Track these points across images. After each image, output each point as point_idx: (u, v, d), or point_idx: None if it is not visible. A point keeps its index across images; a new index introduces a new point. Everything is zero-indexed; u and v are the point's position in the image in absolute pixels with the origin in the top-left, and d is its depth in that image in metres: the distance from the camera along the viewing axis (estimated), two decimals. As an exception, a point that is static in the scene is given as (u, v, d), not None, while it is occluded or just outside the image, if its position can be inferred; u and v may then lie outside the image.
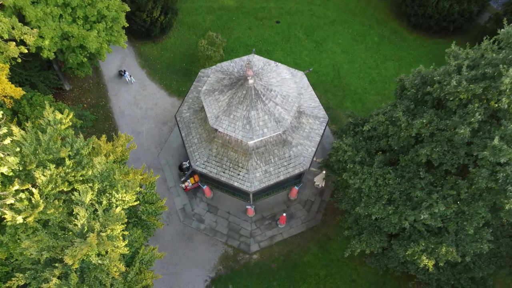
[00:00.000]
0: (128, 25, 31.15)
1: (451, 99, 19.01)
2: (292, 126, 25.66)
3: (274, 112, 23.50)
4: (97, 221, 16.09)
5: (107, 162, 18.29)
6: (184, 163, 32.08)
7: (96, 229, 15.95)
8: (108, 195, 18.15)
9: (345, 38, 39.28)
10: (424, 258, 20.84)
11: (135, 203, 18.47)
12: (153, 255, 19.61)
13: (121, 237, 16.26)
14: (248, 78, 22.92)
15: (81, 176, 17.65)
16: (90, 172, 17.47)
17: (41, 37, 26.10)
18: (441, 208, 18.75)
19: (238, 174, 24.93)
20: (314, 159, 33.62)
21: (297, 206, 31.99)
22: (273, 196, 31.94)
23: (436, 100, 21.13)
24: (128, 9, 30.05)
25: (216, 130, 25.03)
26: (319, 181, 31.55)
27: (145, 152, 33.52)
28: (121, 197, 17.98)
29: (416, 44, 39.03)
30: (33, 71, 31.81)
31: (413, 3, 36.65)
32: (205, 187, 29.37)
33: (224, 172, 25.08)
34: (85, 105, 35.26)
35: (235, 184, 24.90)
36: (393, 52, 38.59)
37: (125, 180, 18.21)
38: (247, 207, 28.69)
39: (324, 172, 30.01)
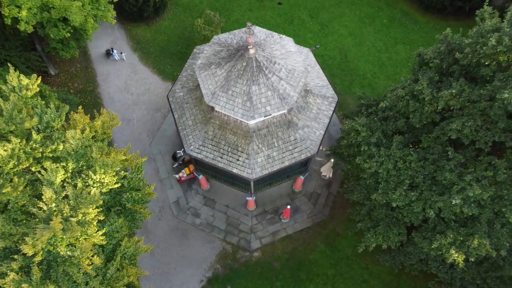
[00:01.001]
0: (116, 0, 28.43)
1: (486, 63, 16.21)
2: (298, 106, 22.86)
3: (278, 87, 20.71)
4: (66, 204, 13.23)
5: (83, 138, 15.44)
6: (178, 151, 29.27)
7: (65, 213, 13.08)
8: (84, 176, 15.30)
9: (352, 20, 36.58)
10: (453, 252, 17.97)
11: (115, 186, 15.63)
12: (138, 248, 16.74)
13: (95, 223, 13.39)
14: (248, 47, 20.14)
15: (50, 152, 14.82)
16: (61, 147, 14.64)
17: (17, 6, 23.35)
18: (476, 191, 15.91)
19: (238, 160, 22.10)
20: (321, 148, 30.83)
21: (302, 199, 29.14)
22: (275, 188, 29.06)
23: (465, 70, 18.34)
24: (117, -19, 27.31)
25: (212, 109, 22.22)
26: (326, 171, 28.71)
27: (135, 141, 30.70)
28: (99, 178, 15.14)
29: (429, 27, 36.33)
30: (14, 51, 29.03)
31: (426, -18, 33.96)
32: (201, 177, 26.51)
33: (221, 158, 22.25)
34: (71, 91, 32.47)
35: (234, 170, 22.06)
36: (404, 35, 35.88)
37: (104, 159, 15.36)
38: (247, 198, 25.84)
39: (332, 160, 27.20)
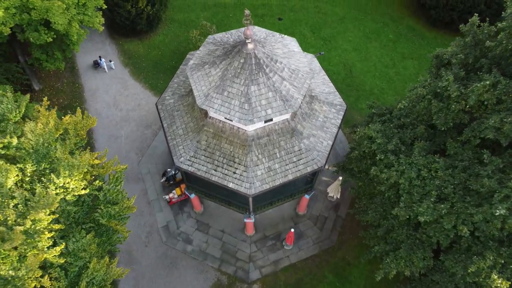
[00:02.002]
0: (105, 6, 26.55)
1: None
2: (302, 112, 20.29)
3: (280, 88, 18.22)
4: (10, 208, 10.30)
5: (46, 133, 12.71)
6: (168, 170, 26.42)
7: (10, 220, 10.13)
8: (45, 181, 12.45)
9: (356, 35, 34.79)
10: (495, 277, 14.78)
11: (83, 192, 12.72)
12: (110, 272, 13.57)
13: (48, 234, 10.40)
14: (246, 41, 17.82)
15: (3, 148, 12.02)
16: (14, 142, 11.87)
17: (-8, 6, 21.30)
18: (525, 199, 13.02)
19: (234, 173, 19.26)
20: (326, 167, 28.03)
21: (307, 223, 25.98)
22: (277, 209, 26.04)
23: (496, 63, 15.91)
24: (106, -14, 25.53)
25: (206, 115, 19.63)
26: (333, 192, 25.74)
27: (123, 160, 27.90)
28: (63, 182, 12.27)
29: (437, 42, 34.51)
30: (-8, 61, 26.88)
31: (433, -7, 32.40)
32: (193, 197, 23.50)
33: (215, 170, 19.41)
34: (55, 106, 29.95)
35: (230, 185, 19.16)
36: (411, 50, 33.97)
37: (69, 159, 12.55)
38: (245, 220, 22.72)
39: (340, 179, 24.31)
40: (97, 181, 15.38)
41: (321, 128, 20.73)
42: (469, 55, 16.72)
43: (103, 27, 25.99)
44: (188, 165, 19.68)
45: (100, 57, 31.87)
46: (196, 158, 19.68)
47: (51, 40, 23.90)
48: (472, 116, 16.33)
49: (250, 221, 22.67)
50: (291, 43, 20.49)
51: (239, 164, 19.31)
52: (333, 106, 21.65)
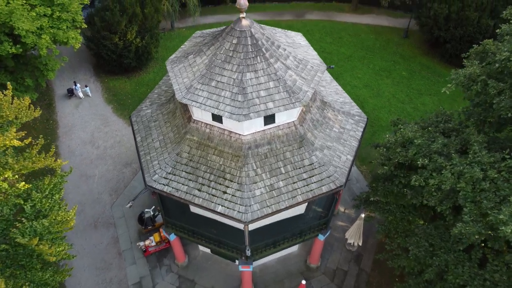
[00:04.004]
0: (86, 26, 23.67)
1: None
2: (313, 119, 15.91)
3: (284, 77, 14.11)
4: None
5: None
6: (146, 210, 21.30)
7: None
8: None
9: (365, 72, 31.69)
10: None
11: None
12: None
13: None
14: (240, 15, 14.11)
15: None
16: None
17: None
18: None
19: (225, 192, 14.31)
20: (342, 210, 22.84)
21: (321, 278, 20.11)
22: (282, 261, 20.38)
23: None
24: (87, 1, 22.84)
25: (189, 119, 15.25)
26: (353, 237, 20.19)
27: (92, 202, 22.92)
28: None
29: (455, 79, 31.21)
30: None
31: (447, 25, 29.81)
32: (173, 238, 18.11)
33: (199, 190, 14.48)
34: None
35: (219, 209, 14.11)
36: (428, 87, 30.57)
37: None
38: (241, 269, 17.05)
39: (362, 216, 19.05)
40: (21, 184, 10.49)
41: (337, 140, 16.17)
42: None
43: (79, 44, 22.73)
44: (163, 184, 14.82)
45: (75, 82, 28.55)
46: (174, 175, 14.89)
47: (15, 50, 20.43)
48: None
49: (247, 269, 17.00)
50: (297, 36, 16.91)
51: (231, 181, 14.46)
52: (350, 116, 17.33)
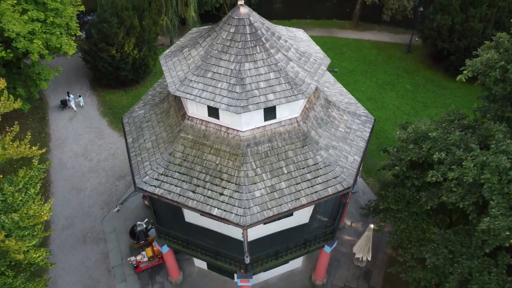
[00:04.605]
0: (81, 33, 23.06)
1: None
2: (317, 117, 14.81)
3: (286, 68, 13.13)
4: None
5: None
6: (139, 223, 19.90)
7: None
8: None
9: (369, 86, 30.90)
10: None
11: None
12: None
13: None
14: (239, 2, 13.26)
15: None
16: None
17: None
18: None
19: (221, 194, 13.04)
20: (348, 223, 21.37)
21: (328, 297, 18.44)
22: (285, 278, 18.76)
23: None
24: (82, 8, 22.30)
25: (183, 117, 14.17)
26: (361, 251, 18.67)
27: (82, 216, 21.55)
28: None
29: (461, 92, 30.45)
30: None
31: (451, 36, 29.22)
32: (166, 251, 16.62)
33: (194, 192, 13.21)
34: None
35: (214, 212, 12.80)
36: (434, 100, 29.70)
37: None
38: (240, 283, 15.47)
39: (371, 227, 17.59)
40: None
41: (344, 140, 15.01)
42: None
43: (73, 50, 21.98)
44: (154, 186, 13.57)
45: (68, 93, 27.73)
46: (166, 176, 13.66)
47: (5, 54, 19.65)
48: None
49: (246, 284, 15.43)
50: (298, 32, 16.07)
51: (229, 181, 13.22)
52: (356, 117, 16.25)
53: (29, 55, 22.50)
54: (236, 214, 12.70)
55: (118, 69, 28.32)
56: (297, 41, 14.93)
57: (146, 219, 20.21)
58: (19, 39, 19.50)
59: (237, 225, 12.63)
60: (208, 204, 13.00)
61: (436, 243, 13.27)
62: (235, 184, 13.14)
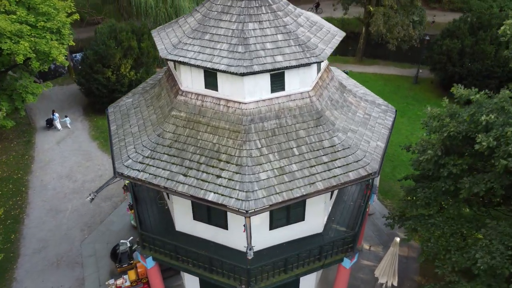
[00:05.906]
0: (74, 43, 21.78)
1: None
2: (331, 98, 12.75)
3: (296, 32, 11.35)
4: None
5: None
6: (122, 241, 17.04)
7: None
8: None
9: (378, 112, 29.18)
10: None
11: None
12: None
13: None
14: (241, -40, 11.85)
15: None
16: None
17: None
18: None
19: (219, 177, 10.61)
20: (367, 247, 18.39)
21: (348, 331, 15.03)
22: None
23: None
24: (77, 16, 21.23)
25: (176, 93, 12.12)
26: (385, 274, 15.59)
27: (59, 239, 18.79)
28: None
29: (477, 119, 28.62)
30: None
31: (462, 60, 28.02)
32: (151, 265, 13.67)
33: (185, 175, 10.78)
34: (-13, 177, 22.31)
35: (210, 197, 10.28)
36: (448, 126, 27.76)
37: None
38: (239, 302, 12.42)
39: (397, 240, 14.73)
40: None
41: (363, 125, 12.86)
42: None
43: (63, 57, 20.51)
44: (138, 170, 11.17)
45: (53, 111, 25.87)
46: (153, 159, 11.32)
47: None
48: None
49: (248, 303, 12.36)
50: (308, 13, 14.52)
51: (228, 162, 10.86)
52: (375, 105, 14.23)
53: (16, 68, 21.16)
54: (237, 199, 10.18)
55: (113, 92, 26.72)
56: (309, 16, 13.33)
57: (131, 237, 17.36)
58: (4, 39, 18.10)
59: (237, 211, 10.05)
60: (202, 189, 10.52)
61: (488, 239, 10.55)
62: (236, 165, 10.75)
